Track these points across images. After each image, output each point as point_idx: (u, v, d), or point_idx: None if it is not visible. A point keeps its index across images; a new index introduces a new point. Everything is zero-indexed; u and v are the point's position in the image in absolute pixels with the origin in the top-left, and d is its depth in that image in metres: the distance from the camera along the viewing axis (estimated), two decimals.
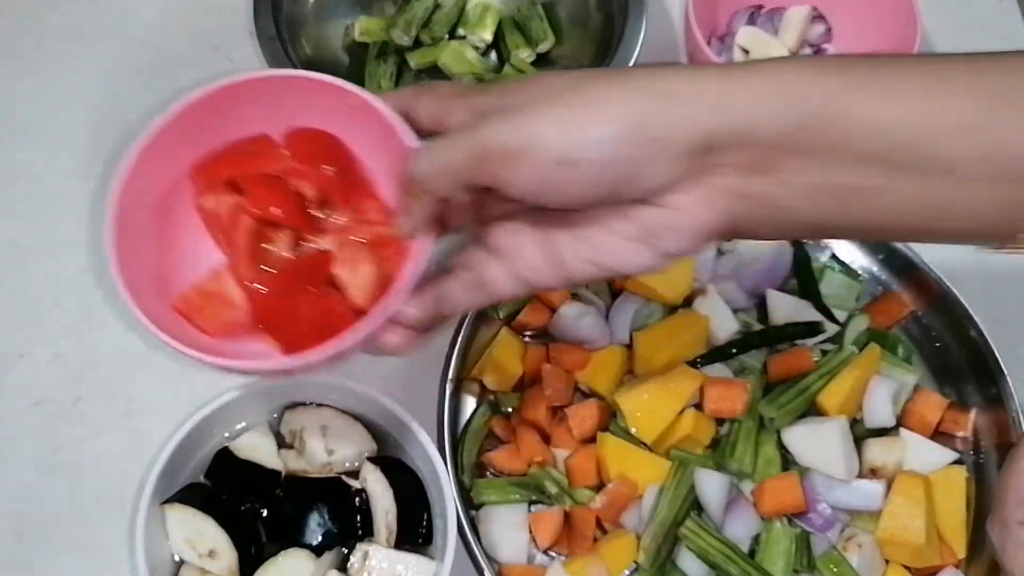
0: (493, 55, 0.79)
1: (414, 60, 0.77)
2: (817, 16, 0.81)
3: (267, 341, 0.52)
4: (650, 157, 0.39)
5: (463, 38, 0.79)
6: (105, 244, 0.48)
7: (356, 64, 0.77)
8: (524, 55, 0.77)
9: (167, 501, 0.55)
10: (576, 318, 0.66)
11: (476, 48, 0.78)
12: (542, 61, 0.78)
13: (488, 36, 0.78)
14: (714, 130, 0.39)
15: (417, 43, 0.78)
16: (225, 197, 0.54)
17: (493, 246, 0.45)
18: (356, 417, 0.60)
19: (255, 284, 0.52)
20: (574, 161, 0.39)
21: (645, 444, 0.62)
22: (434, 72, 0.77)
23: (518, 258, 0.44)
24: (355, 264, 0.51)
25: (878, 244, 0.71)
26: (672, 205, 0.41)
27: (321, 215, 0.54)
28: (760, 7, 0.82)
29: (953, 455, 0.64)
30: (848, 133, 0.38)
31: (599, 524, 0.62)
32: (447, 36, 0.78)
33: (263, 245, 0.53)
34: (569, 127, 0.39)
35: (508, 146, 0.40)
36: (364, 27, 0.77)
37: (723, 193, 0.40)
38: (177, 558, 0.56)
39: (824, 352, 0.67)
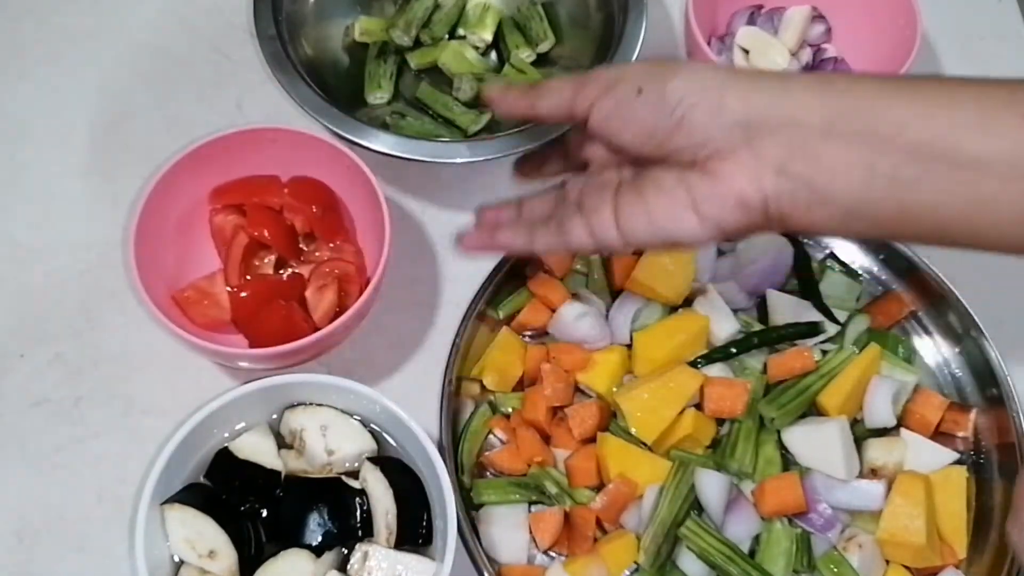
0: (493, 55, 0.79)
1: (414, 60, 0.77)
2: (817, 16, 0.81)
3: (240, 339, 0.65)
4: (705, 113, 0.46)
5: (463, 38, 0.79)
6: (127, 244, 0.60)
7: (356, 64, 0.77)
8: (524, 55, 0.77)
9: (167, 501, 0.55)
10: (576, 318, 0.66)
11: (476, 48, 0.78)
12: (542, 61, 0.78)
13: (488, 36, 0.78)
14: (763, 112, 0.46)
15: (417, 43, 0.78)
16: (231, 217, 0.67)
17: (581, 204, 0.53)
18: (356, 417, 0.60)
19: (239, 289, 0.65)
20: (647, 90, 0.48)
21: (645, 444, 0.62)
22: (434, 72, 0.77)
23: (595, 216, 0.52)
24: (323, 291, 0.65)
25: (879, 244, 0.71)
26: (716, 172, 0.47)
27: (305, 247, 0.68)
28: (760, 7, 0.82)
29: (953, 455, 0.64)
30: (881, 126, 0.44)
31: (599, 524, 0.62)
32: (447, 36, 0.78)
33: (253, 260, 0.67)
34: (652, 68, 0.49)
35: (603, 76, 0.51)
36: (364, 27, 0.77)
37: (765, 169, 0.46)
38: (177, 558, 0.56)
39: (824, 352, 0.66)
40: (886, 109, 0.44)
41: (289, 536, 0.56)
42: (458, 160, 0.65)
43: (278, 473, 0.58)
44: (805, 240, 0.73)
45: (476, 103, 0.75)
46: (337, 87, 0.73)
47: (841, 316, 0.69)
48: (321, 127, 0.67)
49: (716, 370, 0.66)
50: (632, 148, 0.50)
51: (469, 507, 0.62)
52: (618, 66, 0.52)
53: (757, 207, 0.47)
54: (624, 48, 0.70)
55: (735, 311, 0.68)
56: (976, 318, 0.67)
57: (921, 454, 0.64)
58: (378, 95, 0.75)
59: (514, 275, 0.69)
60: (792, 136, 0.45)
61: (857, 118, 0.44)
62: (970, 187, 0.43)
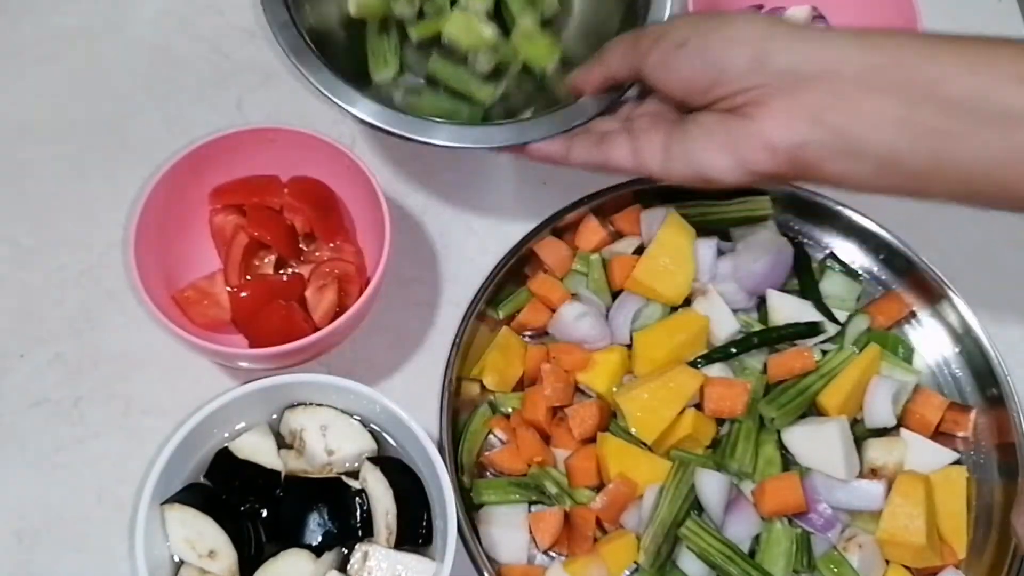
0: (495, 26, 0.75)
1: (416, 32, 0.72)
2: (817, 16, 0.81)
3: (240, 339, 0.65)
4: (747, 62, 0.49)
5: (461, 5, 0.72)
6: (127, 244, 0.60)
7: (355, 42, 0.71)
8: (528, 20, 0.71)
9: (167, 501, 0.55)
10: (576, 318, 0.66)
11: (478, 16, 0.74)
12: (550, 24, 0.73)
13: (489, 3, 0.72)
14: (803, 62, 0.47)
15: (420, 14, 0.72)
16: (231, 217, 0.67)
17: (634, 126, 0.57)
18: (356, 417, 0.60)
19: (239, 289, 0.65)
20: (690, 44, 0.51)
21: (645, 444, 0.62)
22: (435, 44, 0.72)
23: (644, 140, 0.55)
24: (323, 291, 0.65)
25: (879, 243, 0.71)
26: (754, 116, 0.49)
27: (305, 247, 0.68)
28: (760, 7, 0.82)
29: (953, 455, 0.64)
30: (919, 79, 0.45)
31: (599, 524, 0.62)
32: (450, 5, 0.73)
33: (253, 260, 0.67)
34: (697, 22, 0.53)
35: (650, 32, 0.54)
36: (363, 1, 0.70)
37: (801, 116, 0.48)
38: (177, 558, 0.56)
39: (824, 352, 0.66)
40: (924, 63, 0.45)
41: (289, 536, 0.56)
42: (471, 144, 0.61)
43: (278, 473, 0.58)
44: (805, 240, 0.73)
45: (494, 76, 0.71)
46: (340, 65, 0.65)
47: (841, 316, 0.69)
48: (319, 128, 0.66)
49: (716, 370, 0.66)
50: (677, 96, 0.54)
51: (469, 507, 0.62)
52: (669, 21, 0.55)
53: (785, 153, 0.49)
54: (655, 10, 0.65)
55: (735, 311, 0.68)
56: (976, 318, 0.67)
57: (921, 454, 0.64)
58: (385, 72, 0.71)
59: (514, 275, 0.69)
60: (830, 86, 0.47)
61: (895, 71, 0.46)
62: (1003, 139, 0.44)
